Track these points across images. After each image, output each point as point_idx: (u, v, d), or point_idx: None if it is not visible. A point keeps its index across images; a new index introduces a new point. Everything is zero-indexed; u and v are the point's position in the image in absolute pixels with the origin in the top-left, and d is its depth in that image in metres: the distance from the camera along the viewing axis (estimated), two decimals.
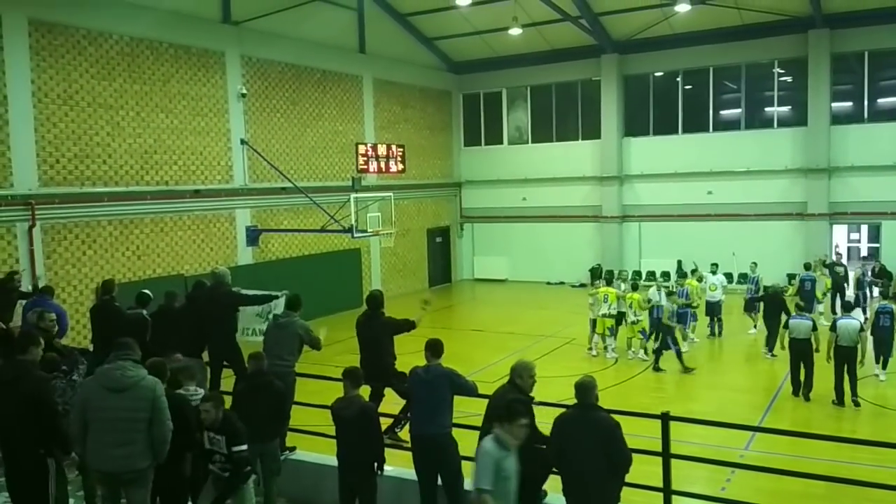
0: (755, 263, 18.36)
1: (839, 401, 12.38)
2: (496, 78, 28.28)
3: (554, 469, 6.01)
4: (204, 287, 9.57)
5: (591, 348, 16.46)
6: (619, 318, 16.23)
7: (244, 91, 19.57)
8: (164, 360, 6.39)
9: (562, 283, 27.38)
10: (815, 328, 12.90)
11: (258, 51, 20.16)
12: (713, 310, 17.53)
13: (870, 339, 13.20)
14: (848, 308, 13.21)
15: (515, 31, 22.82)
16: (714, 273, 18.02)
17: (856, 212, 23.08)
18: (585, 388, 5.71)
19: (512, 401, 5.47)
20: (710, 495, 7.85)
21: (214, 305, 9.06)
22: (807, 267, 18.49)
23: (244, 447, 6.06)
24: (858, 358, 12.34)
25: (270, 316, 9.06)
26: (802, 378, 12.88)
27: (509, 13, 22.46)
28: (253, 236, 19.67)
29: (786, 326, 13.28)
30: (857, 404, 12.38)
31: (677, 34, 24.29)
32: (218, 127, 19.05)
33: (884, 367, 13.73)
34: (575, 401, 5.77)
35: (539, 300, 24.69)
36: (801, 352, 12.78)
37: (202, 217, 18.69)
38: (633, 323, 15.93)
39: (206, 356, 9.14)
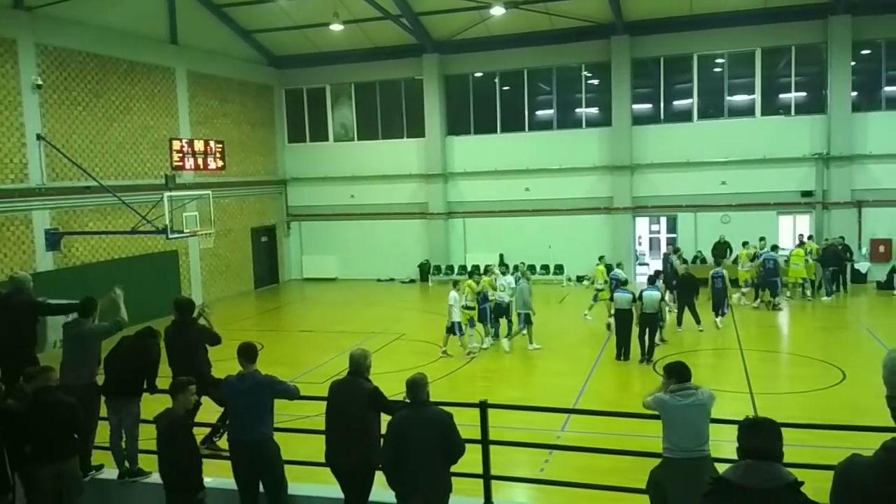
0: (523, 263, 19.14)
1: (646, 358, 14.76)
2: (319, 74, 27.90)
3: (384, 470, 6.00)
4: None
5: (444, 351, 16.01)
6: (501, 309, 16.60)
7: (39, 82, 17.91)
8: None
9: (392, 279, 27.57)
10: (634, 300, 14.91)
11: (55, 38, 18.52)
12: (501, 311, 16.83)
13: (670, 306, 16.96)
14: (651, 281, 15.52)
15: (336, 27, 22.64)
16: (504, 274, 18.22)
17: (655, 205, 25.17)
18: (417, 386, 5.77)
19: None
20: (529, 477, 8.24)
21: (10, 314, 8.21)
22: (675, 251, 20.83)
23: None
24: (665, 318, 15.31)
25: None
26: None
27: (330, 8, 22.25)
28: (53, 240, 18.05)
29: (611, 299, 15.42)
30: (650, 362, 14.69)
31: (494, 36, 25.21)
32: (10, 121, 17.31)
33: (721, 316, 17.56)
34: (406, 399, 5.83)
35: (370, 297, 24.70)
36: (625, 319, 14.95)
37: None
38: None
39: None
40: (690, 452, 5.41)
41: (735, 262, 21.12)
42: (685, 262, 19.89)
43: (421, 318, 21.25)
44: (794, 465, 3.64)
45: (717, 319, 17.55)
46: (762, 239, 21.00)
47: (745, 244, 20.87)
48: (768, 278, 19.57)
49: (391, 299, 24.22)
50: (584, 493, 7.12)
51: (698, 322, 17.20)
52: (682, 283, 17.73)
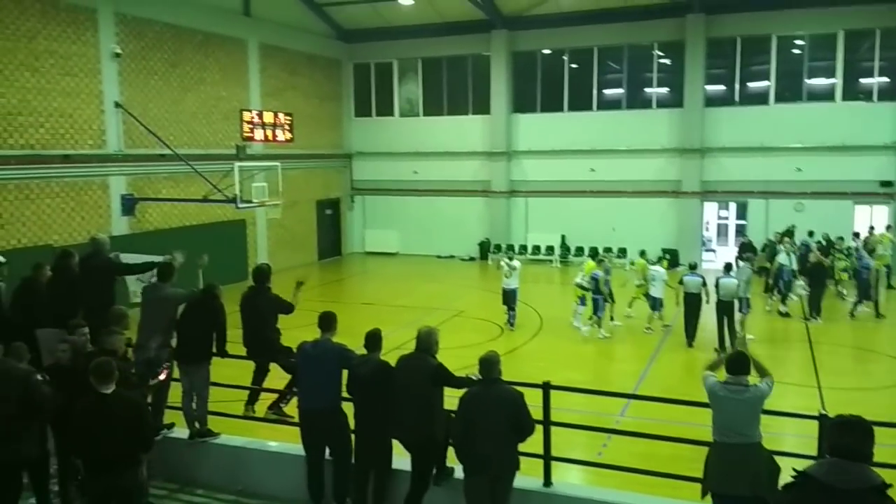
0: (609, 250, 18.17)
1: (720, 347, 14.22)
2: (387, 48, 27.96)
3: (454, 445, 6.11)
4: (70, 257, 8.97)
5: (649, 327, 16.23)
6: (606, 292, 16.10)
7: (118, 51, 18.45)
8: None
9: (452, 256, 27.68)
10: (704, 284, 14.78)
11: (134, 8, 19.03)
12: (509, 298, 16.54)
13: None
14: (728, 268, 15.09)
15: (407, 2, 22.70)
16: (511, 259, 17.05)
17: (725, 190, 24.50)
18: (490, 363, 5.83)
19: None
20: (588, 460, 8.23)
21: (89, 276, 8.53)
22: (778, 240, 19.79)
23: None
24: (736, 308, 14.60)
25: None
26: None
27: None
28: (128, 205, 18.68)
29: (681, 282, 15.04)
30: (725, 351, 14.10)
31: (564, 13, 24.78)
32: (89, 88, 17.90)
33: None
34: (479, 376, 5.89)
35: (429, 273, 24.87)
36: (693, 304, 14.81)
37: (72, 184, 17.59)
38: (639, 285, 17.03)
39: None
40: (733, 438, 5.49)
41: None
42: (821, 249, 19.17)
43: (480, 295, 21.30)
44: (876, 464, 3.53)
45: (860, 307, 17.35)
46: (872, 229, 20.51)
47: None
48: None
49: (450, 276, 24.33)
50: (642, 480, 7.06)
51: (817, 314, 16.99)
52: (813, 272, 17.36)
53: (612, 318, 16.53)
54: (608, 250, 21.34)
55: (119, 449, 5.36)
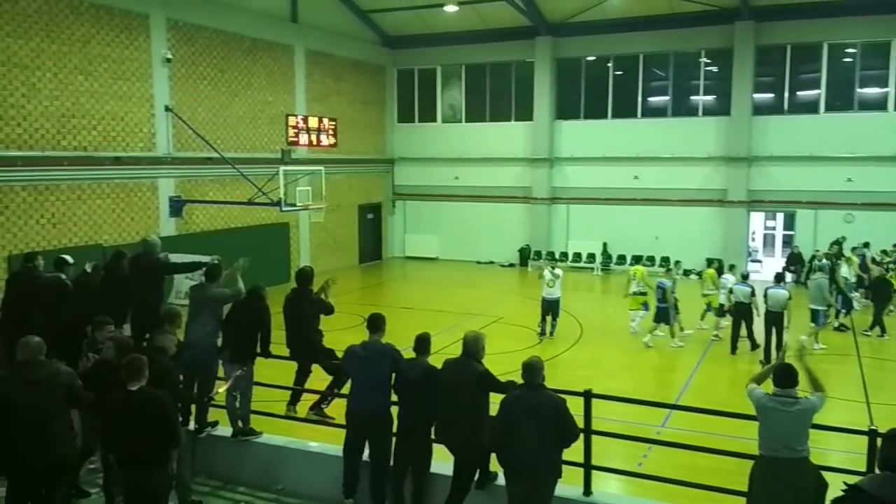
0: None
1: (766, 359, 13.97)
2: (431, 55, 28.11)
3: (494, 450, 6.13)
4: (122, 257, 9.21)
5: (716, 335, 16.19)
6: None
7: (169, 56, 18.88)
8: None
9: (491, 262, 27.65)
10: (753, 294, 14.68)
11: (185, 15, 19.46)
12: (550, 307, 16.31)
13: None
14: (778, 279, 14.86)
15: (451, 9, 22.76)
16: (554, 268, 16.73)
17: (773, 200, 24.03)
18: (533, 369, 5.82)
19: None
20: (628, 470, 8.12)
21: (138, 274, 8.75)
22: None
23: None
24: (785, 324, 14.02)
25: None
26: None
27: None
28: (176, 207, 19.10)
29: (731, 291, 15.12)
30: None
31: (610, 20, 24.62)
32: (141, 92, 18.34)
33: None
34: (521, 380, 5.89)
35: (469, 279, 24.87)
36: (741, 313, 14.77)
37: (123, 185, 18.03)
38: (705, 295, 16.93)
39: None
40: (780, 452, 5.39)
41: None
42: (878, 263, 18.61)
43: (519, 302, 21.23)
44: None
45: None
46: None
47: None
48: None
49: (490, 282, 24.30)
50: (683, 492, 6.95)
51: (872, 327, 16.58)
52: (876, 286, 17.04)
53: (681, 330, 16.16)
54: (651, 259, 21.16)
55: (145, 445, 5.44)
